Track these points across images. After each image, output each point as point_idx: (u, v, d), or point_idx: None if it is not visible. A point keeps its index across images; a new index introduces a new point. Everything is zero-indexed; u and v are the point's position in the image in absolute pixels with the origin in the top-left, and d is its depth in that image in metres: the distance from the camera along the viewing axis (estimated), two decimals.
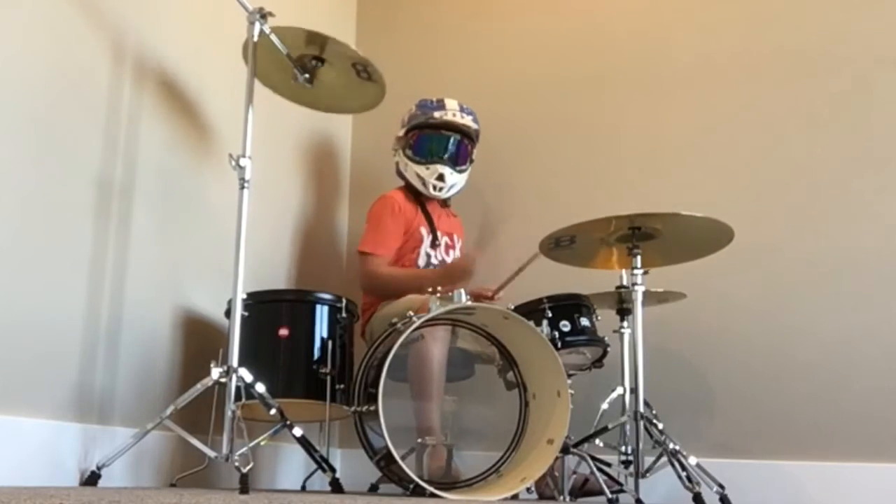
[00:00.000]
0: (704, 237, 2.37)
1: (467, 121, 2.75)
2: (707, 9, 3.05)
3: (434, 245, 2.75)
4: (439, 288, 2.09)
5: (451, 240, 2.81)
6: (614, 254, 2.50)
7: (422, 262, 2.72)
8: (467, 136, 2.78)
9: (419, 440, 2.12)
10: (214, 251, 2.47)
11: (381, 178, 2.87)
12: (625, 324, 2.58)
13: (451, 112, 2.74)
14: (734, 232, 2.30)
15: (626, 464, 2.35)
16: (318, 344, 2.30)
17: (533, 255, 2.50)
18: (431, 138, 2.75)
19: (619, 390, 2.54)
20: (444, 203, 2.86)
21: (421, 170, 2.75)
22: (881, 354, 2.60)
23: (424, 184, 2.75)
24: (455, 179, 2.77)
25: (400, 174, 2.81)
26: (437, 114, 2.73)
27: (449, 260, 2.77)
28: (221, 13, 2.48)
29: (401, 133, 2.80)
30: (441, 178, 2.74)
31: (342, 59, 2.30)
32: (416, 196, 2.79)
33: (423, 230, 2.74)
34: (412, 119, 2.77)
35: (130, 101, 2.22)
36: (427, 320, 2.04)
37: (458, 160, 2.77)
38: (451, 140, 2.75)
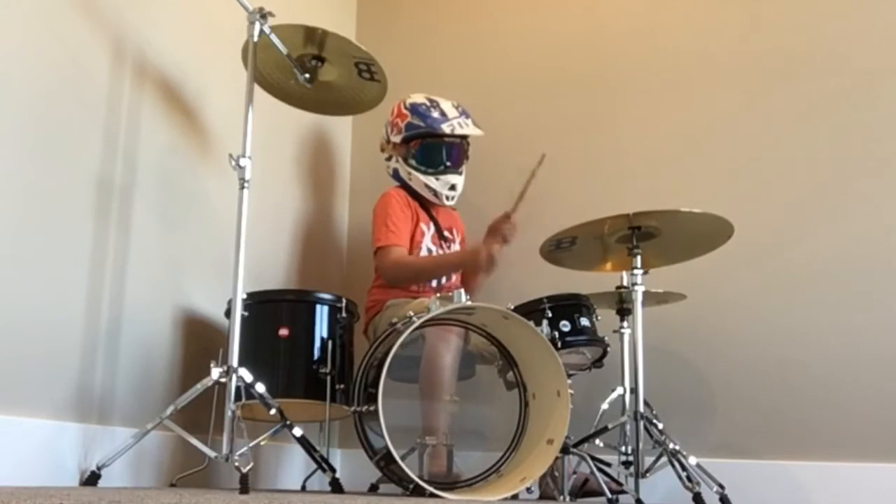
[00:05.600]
0: (704, 234, 2.37)
1: (472, 129, 2.72)
2: (707, 7, 3.05)
3: (435, 240, 2.75)
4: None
5: (451, 234, 2.82)
6: (614, 256, 2.50)
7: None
8: (464, 138, 2.77)
9: (419, 440, 2.12)
10: (214, 251, 2.47)
11: (381, 178, 2.87)
12: (625, 324, 2.58)
13: (457, 122, 2.69)
14: (733, 227, 2.30)
15: (626, 464, 2.35)
16: (318, 344, 2.29)
17: (540, 159, 2.50)
18: (437, 147, 2.72)
19: (619, 390, 2.54)
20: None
21: (430, 180, 2.72)
22: (881, 354, 2.60)
23: (437, 195, 2.73)
24: (461, 182, 2.77)
25: (399, 180, 2.79)
26: (444, 126, 2.67)
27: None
28: (221, 13, 2.48)
29: (396, 139, 2.74)
30: (453, 187, 2.74)
31: (344, 57, 2.30)
32: (415, 194, 2.79)
33: (424, 226, 2.75)
34: (411, 128, 2.70)
35: (130, 101, 2.22)
36: (427, 320, 2.04)
37: (459, 162, 2.77)
38: (453, 146, 2.74)
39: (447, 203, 2.76)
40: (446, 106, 2.74)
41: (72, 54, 2.03)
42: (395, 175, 2.79)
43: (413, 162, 2.73)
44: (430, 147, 2.72)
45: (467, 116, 2.75)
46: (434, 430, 2.15)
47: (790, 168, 2.83)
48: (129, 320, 2.17)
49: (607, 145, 3.10)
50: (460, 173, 2.77)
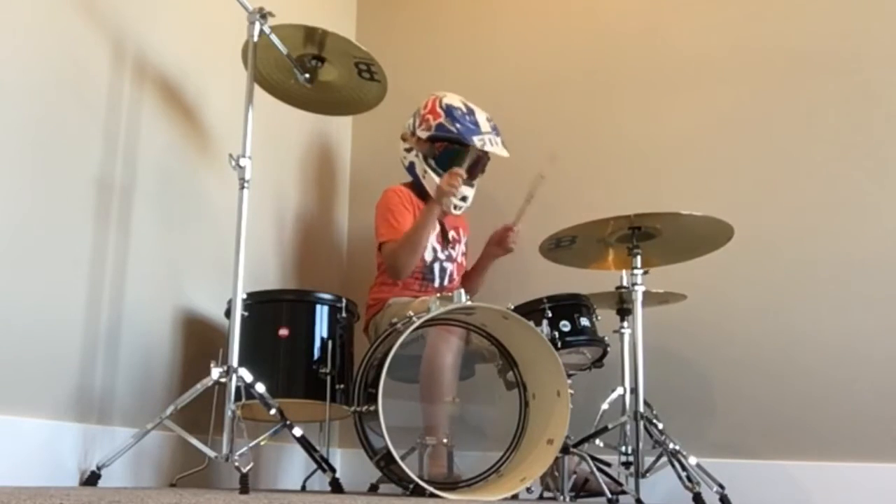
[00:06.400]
0: (704, 236, 2.38)
1: (500, 150, 2.67)
2: (708, 7, 3.05)
3: (439, 239, 2.74)
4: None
5: (458, 234, 2.82)
6: (613, 254, 2.50)
7: (429, 256, 2.70)
8: (486, 154, 2.72)
9: (419, 440, 2.12)
10: (214, 251, 2.47)
11: (381, 178, 2.87)
12: (625, 324, 2.58)
13: (488, 139, 2.65)
14: (734, 230, 2.30)
15: (627, 464, 2.35)
16: (318, 344, 2.30)
17: (536, 179, 2.62)
18: (461, 155, 2.66)
19: (620, 390, 2.54)
20: None
21: None
22: (881, 355, 2.60)
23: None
24: (472, 195, 2.74)
25: (413, 174, 2.77)
26: (475, 139, 2.63)
27: (455, 254, 2.78)
28: (221, 13, 2.48)
29: (422, 135, 2.71)
30: (464, 199, 2.71)
31: (344, 56, 2.30)
32: (421, 192, 2.78)
33: None
34: (441, 129, 2.66)
35: (130, 101, 2.22)
36: (427, 320, 2.04)
37: (475, 176, 2.74)
38: (476, 160, 2.69)
39: (454, 212, 2.73)
40: (481, 118, 2.71)
41: (72, 54, 2.03)
42: (410, 169, 2.77)
43: (432, 162, 2.71)
44: (453, 153, 2.68)
45: (497, 134, 2.71)
46: (434, 430, 2.16)
47: (791, 168, 2.83)
48: (129, 320, 2.17)
49: (608, 144, 3.10)
50: (473, 186, 2.74)
